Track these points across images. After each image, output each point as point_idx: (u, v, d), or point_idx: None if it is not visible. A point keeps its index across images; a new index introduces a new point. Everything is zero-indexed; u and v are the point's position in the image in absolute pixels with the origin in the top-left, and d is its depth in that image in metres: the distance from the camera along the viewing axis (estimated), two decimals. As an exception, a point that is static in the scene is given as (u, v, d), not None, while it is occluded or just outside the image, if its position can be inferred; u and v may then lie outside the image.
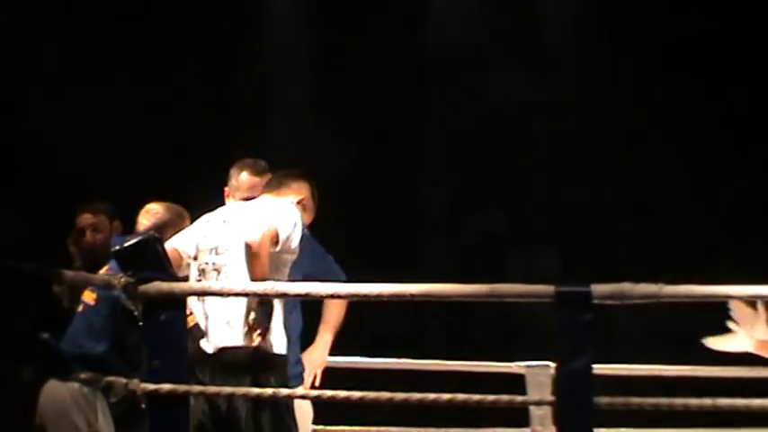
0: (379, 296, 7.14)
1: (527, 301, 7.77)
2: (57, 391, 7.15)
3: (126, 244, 6.86)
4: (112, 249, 6.95)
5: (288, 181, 7.81)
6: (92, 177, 8.61)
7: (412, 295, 7.22)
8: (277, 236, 7.32)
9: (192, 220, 7.66)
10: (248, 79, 10.62)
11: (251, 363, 7.41)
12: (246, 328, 7.36)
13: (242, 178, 7.92)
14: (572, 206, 9.72)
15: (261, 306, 7.30)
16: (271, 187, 7.80)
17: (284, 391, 7.30)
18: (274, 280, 7.38)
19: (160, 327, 6.85)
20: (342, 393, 6.82)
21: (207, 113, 10.52)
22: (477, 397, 6.97)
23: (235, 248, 7.46)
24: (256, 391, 7.17)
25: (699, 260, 8.56)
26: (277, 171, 7.86)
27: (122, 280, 6.79)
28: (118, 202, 7.64)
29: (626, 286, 6.72)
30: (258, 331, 7.34)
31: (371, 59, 10.75)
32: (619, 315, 8.07)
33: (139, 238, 6.96)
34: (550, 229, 10.39)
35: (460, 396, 7.01)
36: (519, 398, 8.02)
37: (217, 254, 7.50)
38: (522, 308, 8.64)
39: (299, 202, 7.68)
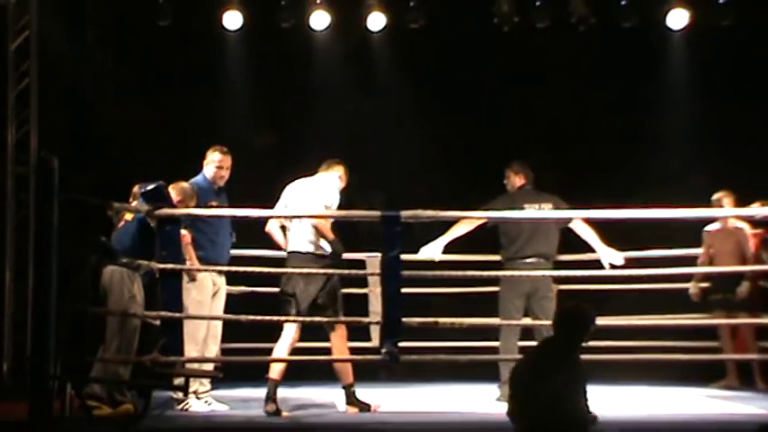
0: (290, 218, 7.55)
1: (366, 220, 8.16)
2: (112, 272, 7.16)
3: (148, 188, 7.11)
4: (141, 191, 7.15)
5: (333, 164, 7.70)
6: (138, 158, 8.38)
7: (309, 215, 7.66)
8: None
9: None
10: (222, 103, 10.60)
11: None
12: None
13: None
14: (394, 173, 9.58)
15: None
16: (323, 168, 7.72)
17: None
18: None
19: (166, 234, 7.00)
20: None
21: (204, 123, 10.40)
22: (343, 271, 7.49)
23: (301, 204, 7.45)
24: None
25: (462, 200, 8.54)
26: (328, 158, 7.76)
27: (145, 207, 7.04)
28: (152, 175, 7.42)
29: (418, 212, 7.10)
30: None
31: (290, 95, 10.83)
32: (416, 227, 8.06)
33: (154, 185, 7.14)
34: (379, 184, 10.34)
35: (334, 269, 7.49)
36: (362, 272, 8.31)
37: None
38: (365, 224, 8.71)
39: (339, 177, 7.64)
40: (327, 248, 7.39)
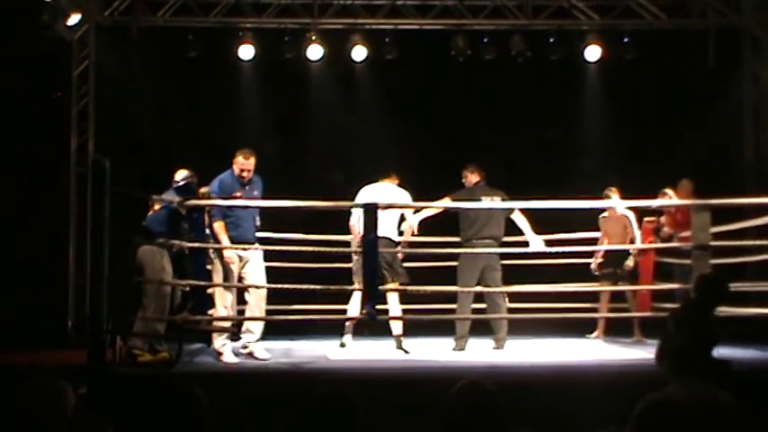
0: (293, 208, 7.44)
1: (351, 209, 8.05)
2: (144, 249, 7.07)
3: (179, 183, 7.03)
4: (174, 185, 7.05)
5: (392, 173, 7.85)
6: (172, 160, 8.09)
7: (302, 206, 7.53)
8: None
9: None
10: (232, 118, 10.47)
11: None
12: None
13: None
14: (372, 173, 9.39)
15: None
16: (385, 176, 7.83)
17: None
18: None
19: (193, 220, 7.01)
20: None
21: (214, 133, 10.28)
22: (332, 248, 7.42)
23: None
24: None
25: (426, 193, 8.46)
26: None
27: (178, 198, 6.97)
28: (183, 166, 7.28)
29: (392, 202, 7.03)
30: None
31: (291, 111, 10.53)
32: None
33: (186, 180, 7.07)
34: (360, 181, 10.20)
35: (327, 247, 7.43)
36: (347, 249, 8.03)
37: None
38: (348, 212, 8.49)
39: (398, 183, 7.83)
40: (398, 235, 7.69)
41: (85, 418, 2.79)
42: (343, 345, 7.79)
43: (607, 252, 8.97)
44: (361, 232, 7.00)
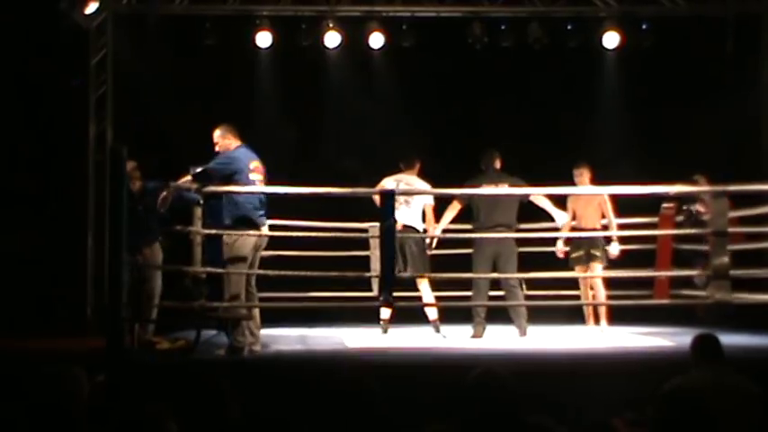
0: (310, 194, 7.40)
1: (368, 195, 8.04)
2: None
3: (197, 170, 6.96)
4: (191, 173, 6.97)
5: (414, 161, 7.92)
6: (188, 147, 8.00)
7: (319, 193, 7.47)
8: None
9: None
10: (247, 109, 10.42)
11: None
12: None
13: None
14: (388, 160, 9.31)
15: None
16: (407, 164, 7.90)
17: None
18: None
19: (210, 206, 7.04)
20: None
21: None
22: (350, 234, 7.38)
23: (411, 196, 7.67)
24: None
25: (443, 180, 8.41)
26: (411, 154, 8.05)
27: (195, 185, 6.93)
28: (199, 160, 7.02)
29: (408, 188, 6.97)
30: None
31: (309, 98, 10.41)
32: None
33: (202, 167, 7.00)
34: (378, 168, 10.08)
35: (343, 234, 7.37)
36: (365, 234, 8.19)
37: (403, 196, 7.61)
38: (369, 201, 8.45)
39: (418, 174, 7.90)
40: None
41: (147, 410, 2.79)
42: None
43: (577, 235, 8.30)
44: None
